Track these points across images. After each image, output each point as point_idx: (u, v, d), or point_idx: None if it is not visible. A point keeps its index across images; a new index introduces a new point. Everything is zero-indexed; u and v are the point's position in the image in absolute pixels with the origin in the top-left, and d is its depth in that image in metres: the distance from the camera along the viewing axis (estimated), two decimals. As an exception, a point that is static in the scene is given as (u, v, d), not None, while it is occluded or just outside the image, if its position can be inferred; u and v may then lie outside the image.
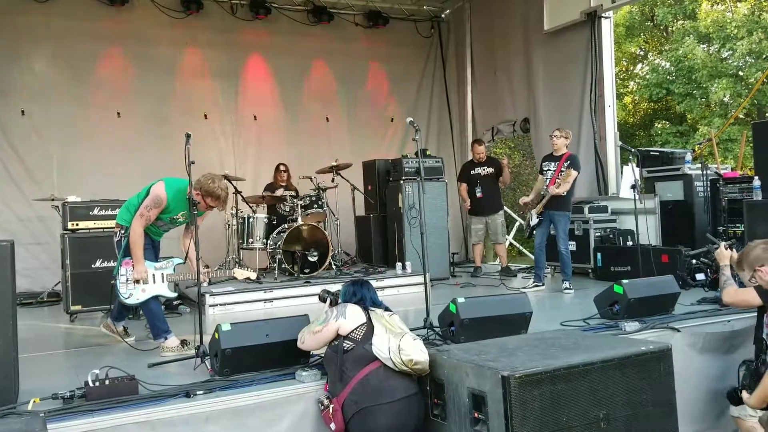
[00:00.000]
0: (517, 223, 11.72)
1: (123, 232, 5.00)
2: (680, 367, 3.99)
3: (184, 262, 5.14)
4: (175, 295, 5.14)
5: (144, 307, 5.03)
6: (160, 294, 5.04)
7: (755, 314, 4.36)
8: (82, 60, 9.48)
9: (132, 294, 4.92)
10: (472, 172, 9.12)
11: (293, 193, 8.64)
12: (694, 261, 5.23)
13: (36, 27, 9.24)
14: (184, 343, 4.88)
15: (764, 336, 4.15)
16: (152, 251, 5.08)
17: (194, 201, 4.75)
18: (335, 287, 4.36)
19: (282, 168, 9.27)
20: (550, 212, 7.26)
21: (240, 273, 5.30)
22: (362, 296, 4.03)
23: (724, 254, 4.74)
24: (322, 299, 4.30)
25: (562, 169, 7.19)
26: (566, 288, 7.23)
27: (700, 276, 5.11)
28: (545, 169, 7.49)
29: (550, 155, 7.55)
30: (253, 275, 5.36)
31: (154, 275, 4.98)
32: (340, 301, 4.10)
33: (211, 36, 10.37)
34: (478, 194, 9.00)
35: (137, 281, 4.90)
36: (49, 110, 9.25)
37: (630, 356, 3.57)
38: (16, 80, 9.12)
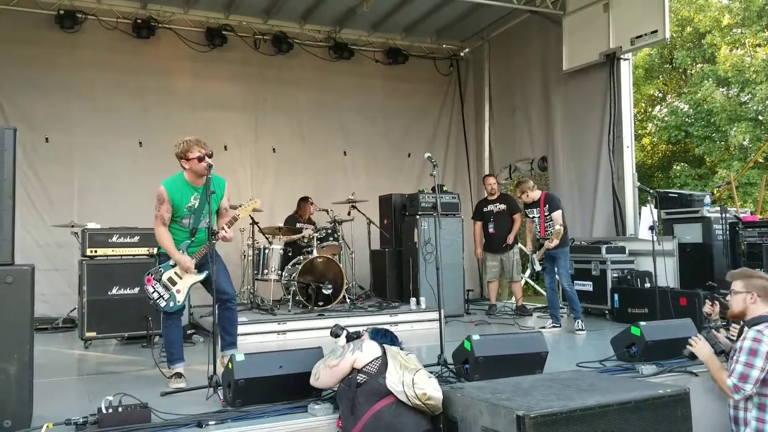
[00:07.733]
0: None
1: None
2: (698, 412, 3.90)
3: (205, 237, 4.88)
4: (204, 275, 4.85)
5: (164, 329, 4.98)
6: (195, 282, 4.91)
7: None
8: (106, 89, 9.67)
9: (173, 299, 4.83)
10: (485, 210, 9.15)
11: (313, 228, 8.65)
12: None
13: (62, 57, 9.47)
14: (176, 375, 4.82)
15: None
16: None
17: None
18: (348, 322, 4.35)
19: (310, 201, 9.27)
20: (549, 251, 7.33)
21: (246, 209, 5.09)
22: (391, 339, 4.15)
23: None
24: (335, 335, 4.31)
25: (546, 213, 7.40)
26: (578, 329, 7.17)
27: None
28: (530, 216, 7.67)
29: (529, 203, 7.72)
30: (258, 203, 5.20)
31: (176, 272, 4.88)
32: (366, 334, 4.14)
33: (233, 69, 10.57)
34: (491, 230, 9.01)
35: (167, 287, 4.81)
36: (72, 138, 9.43)
37: (647, 399, 3.52)
38: (41, 108, 9.30)
